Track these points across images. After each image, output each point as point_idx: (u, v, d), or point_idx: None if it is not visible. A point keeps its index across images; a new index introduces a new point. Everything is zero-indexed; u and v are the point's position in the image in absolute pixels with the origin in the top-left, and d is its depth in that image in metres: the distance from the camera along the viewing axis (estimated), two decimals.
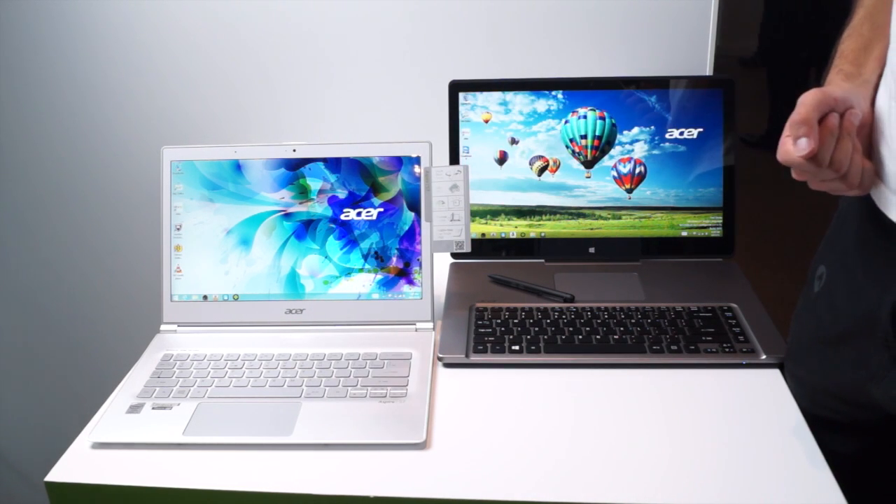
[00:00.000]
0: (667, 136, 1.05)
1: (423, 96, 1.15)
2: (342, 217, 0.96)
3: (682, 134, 1.05)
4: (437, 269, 0.98)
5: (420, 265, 0.95)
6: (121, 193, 1.30)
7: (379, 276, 0.95)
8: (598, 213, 1.07)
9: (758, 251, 2.46)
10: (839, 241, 0.77)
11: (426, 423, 0.77)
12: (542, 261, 1.08)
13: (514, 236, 1.09)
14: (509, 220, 1.08)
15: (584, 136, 1.06)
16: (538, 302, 0.98)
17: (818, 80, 0.74)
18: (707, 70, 1.11)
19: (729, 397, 0.81)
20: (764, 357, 0.85)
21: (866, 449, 0.80)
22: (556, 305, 0.96)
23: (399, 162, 0.95)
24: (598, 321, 0.92)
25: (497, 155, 1.08)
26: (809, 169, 0.64)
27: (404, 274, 0.95)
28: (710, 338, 0.89)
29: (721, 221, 1.06)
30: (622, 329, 0.91)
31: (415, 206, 0.95)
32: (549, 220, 1.08)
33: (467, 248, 0.95)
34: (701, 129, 1.05)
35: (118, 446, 0.77)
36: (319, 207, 0.96)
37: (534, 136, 1.07)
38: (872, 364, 0.71)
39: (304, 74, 1.18)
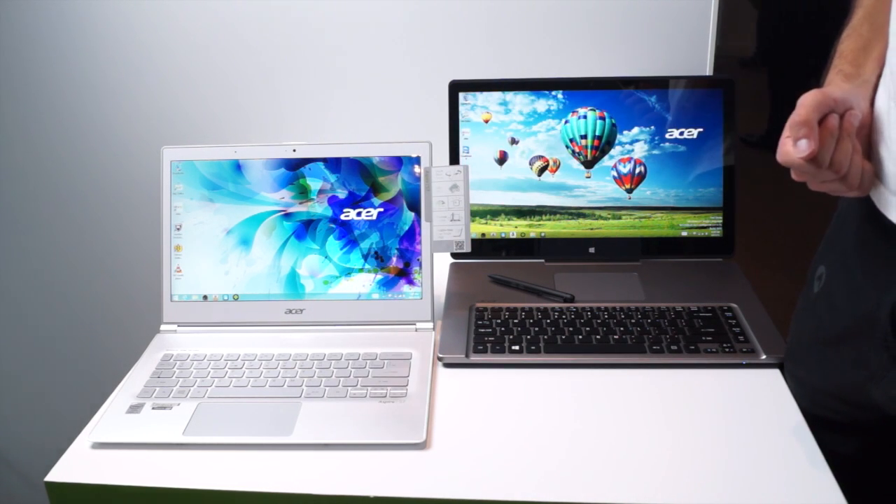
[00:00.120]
0: (667, 136, 1.05)
1: (423, 96, 1.15)
2: (342, 217, 0.96)
3: (682, 134, 1.05)
4: (437, 269, 0.98)
5: (420, 265, 0.95)
6: (121, 193, 1.30)
7: (379, 276, 0.95)
8: (598, 213, 1.07)
9: (758, 251, 2.46)
10: (839, 242, 0.77)
11: (426, 423, 0.77)
12: (542, 261, 1.08)
13: (514, 236, 1.09)
14: (509, 220, 1.08)
15: (584, 136, 1.06)
16: (538, 302, 0.98)
17: (818, 81, 0.74)
18: (707, 70, 1.11)
19: (729, 397, 0.81)
20: (764, 357, 0.85)
21: (866, 449, 0.80)
22: (556, 305, 0.96)
23: (399, 162, 0.95)
24: (598, 321, 0.92)
25: (497, 155, 1.08)
26: (809, 170, 0.64)
27: (404, 274, 0.95)
28: (710, 338, 0.89)
29: (721, 221, 1.06)
30: (622, 329, 0.91)
31: (415, 206, 0.95)
32: (549, 220, 1.08)
33: (467, 248, 0.95)
34: (701, 129, 1.05)
35: (118, 446, 0.77)
36: (319, 207, 0.96)
37: (534, 136, 1.07)
38: (872, 364, 0.71)
39: (304, 74, 1.18)
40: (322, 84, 1.18)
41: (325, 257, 0.96)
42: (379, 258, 0.95)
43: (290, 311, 0.95)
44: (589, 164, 1.07)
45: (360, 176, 0.96)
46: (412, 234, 0.95)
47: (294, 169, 0.96)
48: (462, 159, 1.08)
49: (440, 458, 0.74)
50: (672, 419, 0.78)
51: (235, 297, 0.96)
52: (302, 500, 0.71)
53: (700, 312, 0.93)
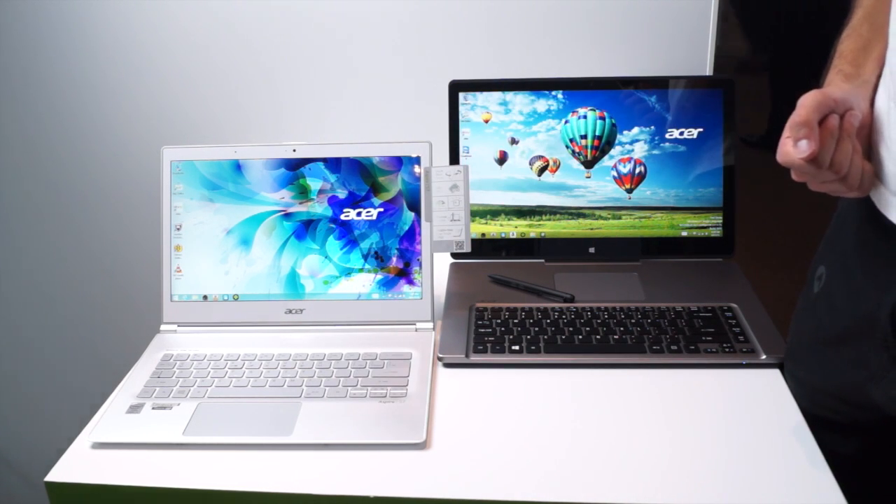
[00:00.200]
0: (667, 136, 1.05)
1: (423, 96, 1.15)
2: (342, 217, 0.96)
3: (682, 134, 1.05)
4: (437, 269, 0.98)
5: (420, 265, 0.95)
6: (121, 193, 1.30)
7: (379, 276, 0.95)
8: (598, 213, 1.07)
9: (758, 251, 2.46)
10: (839, 242, 0.77)
11: (426, 423, 0.77)
12: (542, 261, 1.08)
13: (514, 236, 1.09)
14: (509, 220, 1.08)
15: (584, 136, 1.06)
16: (538, 302, 0.98)
17: (818, 81, 0.74)
18: (707, 70, 1.11)
19: (729, 397, 0.81)
20: (764, 357, 0.85)
21: (866, 449, 0.80)
22: (556, 305, 0.96)
23: (399, 162, 0.95)
24: (598, 321, 0.92)
25: (497, 155, 1.08)
26: (809, 170, 0.64)
27: (404, 274, 0.95)
28: (710, 338, 0.89)
29: (721, 221, 1.06)
30: (622, 329, 0.91)
31: (415, 206, 0.95)
32: (549, 220, 1.08)
33: (467, 248, 0.95)
34: (701, 129, 1.05)
35: (118, 446, 0.77)
36: (319, 207, 0.96)
37: (534, 136, 1.07)
38: (872, 365, 0.71)
39: (304, 74, 1.18)
40: (322, 84, 1.18)
41: (325, 257, 0.96)
42: (379, 258, 0.95)
43: (290, 311, 0.95)
44: (589, 164, 1.07)
45: (360, 176, 0.96)
46: (412, 234, 0.95)
47: (294, 169, 0.96)
48: (462, 159, 1.08)
49: (440, 458, 0.74)
50: (672, 419, 0.78)
51: (235, 297, 0.96)
52: (302, 500, 0.71)
53: (700, 312, 0.93)
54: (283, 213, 0.96)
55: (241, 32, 1.16)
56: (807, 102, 0.63)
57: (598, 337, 0.90)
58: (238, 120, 1.22)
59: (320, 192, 0.96)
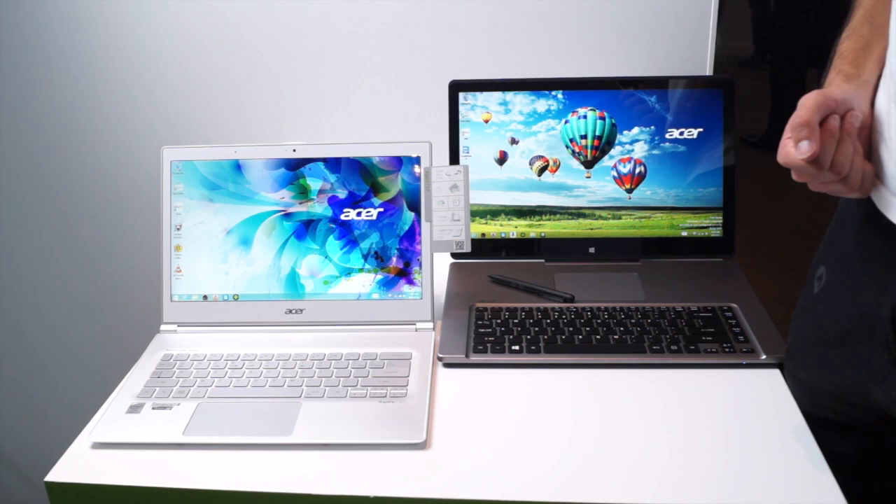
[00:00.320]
0: (667, 136, 1.05)
1: (423, 96, 1.15)
2: (342, 217, 0.96)
3: (682, 134, 1.05)
4: (437, 269, 0.98)
5: (420, 265, 0.95)
6: (121, 193, 1.30)
7: (379, 276, 0.95)
8: (598, 213, 1.07)
9: (758, 251, 2.47)
10: (839, 242, 0.77)
11: (426, 423, 0.77)
12: (542, 261, 1.08)
13: (514, 236, 1.09)
14: (509, 220, 1.08)
15: (584, 136, 1.06)
16: (538, 302, 0.98)
17: (818, 80, 0.74)
18: (707, 70, 1.11)
19: (729, 397, 0.81)
20: (764, 357, 0.85)
21: (866, 449, 0.81)
22: (556, 305, 0.96)
23: (399, 162, 0.95)
24: (598, 321, 0.92)
25: (497, 155, 1.08)
26: (810, 171, 0.64)
27: (404, 274, 0.95)
28: (710, 338, 0.89)
29: (721, 221, 1.06)
30: (622, 329, 0.91)
31: (415, 206, 0.95)
32: (549, 220, 1.08)
33: (467, 248, 0.95)
34: (701, 129, 1.05)
35: (118, 446, 0.77)
36: (319, 207, 0.96)
37: (534, 136, 1.07)
38: (872, 365, 0.71)
39: (304, 74, 1.18)
40: (322, 84, 1.18)
41: (325, 257, 0.96)
42: (379, 258, 0.95)
43: (290, 311, 0.95)
44: (589, 164, 1.07)
45: (360, 176, 0.96)
46: (412, 234, 0.95)
47: (294, 169, 0.96)
48: (462, 159, 1.08)
49: (440, 458, 0.74)
50: (672, 419, 0.78)
51: (235, 297, 0.96)
52: (302, 500, 0.71)
53: (700, 312, 0.93)
54: (283, 213, 0.96)
55: (242, 32, 1.16)
56: (808, 103, 0.63)
57: (598, 337, 0.90)
58: (238, 120, 1.22)
59: (320, 192, 0.96)
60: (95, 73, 1.22)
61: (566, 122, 1.06)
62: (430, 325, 0.94)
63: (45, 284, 1.40)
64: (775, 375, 0.84)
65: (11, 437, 1.56)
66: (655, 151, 1.06)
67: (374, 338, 0.92)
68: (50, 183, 1.32)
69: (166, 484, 0.72)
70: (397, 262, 0.95)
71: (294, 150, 0.96)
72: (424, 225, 0.95)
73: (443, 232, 0.94)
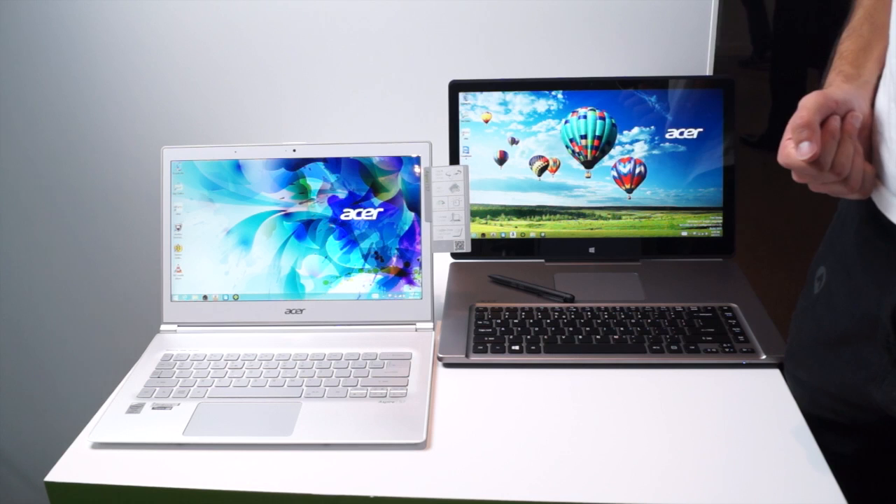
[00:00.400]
0: (667, 136, 1.05)
1: (423, 96, 1.15)
2: (342, 217, 0.96)
3: (682, 134, 1.05)
4: (437, 269, 0.98)
5: (420, 265, 0.95)
6: (121, 193, 1.30)
7: (379, 276, 0.95)
8: (598, 213, 1.07)
9: (758, 251, 2.47)
10: (839, 243, 0.77)
11: (426, 423, 0.77)
12: (542, 261, 1.08)
13: (514, 236, 1.09)
14: (509, 220, 1.08)
15: (584, 136, 1.06)
16: (538, 302, 0.98)
17: (819, 80, 0.74)
18: (707, 70, 1.11)
19: (729, 397, 0.81)
20: (764, 357, 0.85)
21: (866, 449, 0.81)
22: (556, 305, 0.96)
23: (399, 162, 0.95)
24: (598, 321, 0.92)
25: (497, 155, 1.08)
26: (811, 172, 0.64)
27: (404, 274, 0.95)
28: (710, 338, 0.89)
29: (721, 221, 1.06)
30: (622, 329, 0.91)
31: (415, 206, 0.95)
32: (549, 220, 1.08)
33: (467, 248, 0.95)
34: (701, 129, 1.05)
35: (118, 446, 0.77)
36: (319, 207, 0.96)
37: (534, 136, 1.07)
38: (873, 366, 0.71)
39: (304, 74, 1.18)
40: (322, 84, 1.18)
41: (325, 257, 0.96)
42: (379, 258, 0.95)
43: (290, 311, 0.95)
44: (589, 164, 1.07)
45: (360, 176, 0.96)
46: (412, 234, 0.95)
47: (294, 169, 0.96)
48: (462, 159, 1.08)
49: (440, 458, 0.74)
50: (672, 419, 0.78)
51: (235, 297, 0.96)
52: (302, 500, 0.71)
53: (700, 312, 0.93)
54: (283, 213, 0.96)
55: (242, 32, 1.16)
56: (808, 104, 0.63)
57: (598, 337, 0.90)
58: (238, 120, 1.22)
59: (320, 192, 0.96)
60: (95, 73, 1.22)
61: (566, 122, 1.06)
62: (430, 325, 0.94)
63: (45, 284, 1.40)
64: (775, 375, 0.84)
65: (11, 437, 1.56)
66: (655, 151, 1.06)
67: (374, 338, 0.92)
68: (50, 183, 1.32)
69: (166, 484, 0.72)
70: (397, 262, 0.95)
71: (294, 150, 0.96)
72: (424, 225, 0.95)
73: (443, 232, 0.94)
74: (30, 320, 1.45)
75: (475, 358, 0.88)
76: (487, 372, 0.87)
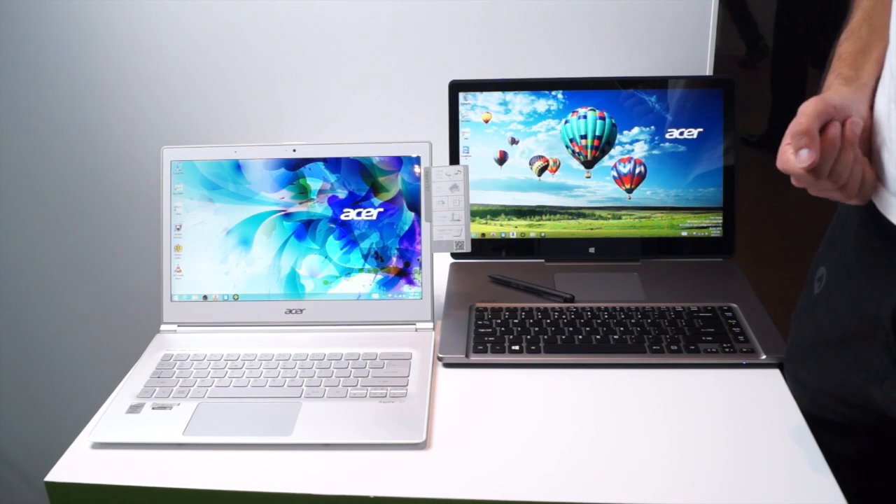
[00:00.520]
0: (667, 136, 1.05)
1: (423, 96, 1.15)
2: (342, 217, 0.96)
3: (682, 134, 1.05)
4: (437, 269, 0.98)
5: (420, 265, 0.95)
6: (120, 193, 1.30)
7: (379, 276, 0.95)
8: (598, 213, 1.07)
9: (758, 251, 2.47)
10: (839, 243, 0.77)
11: (426, 423, 0.77)
12: (542, 261, 1.08)
13: (514, 236, 1.09)
14: (509, 220, 1.08)
15: (584, 136, 1.06)
16: (538, 302, 0.98)
17: (819, 80, 0.74)
18: (707, 70, 1.11)
19: (729, 397, 0.81)
20: (764, 357, 0.85)
21: (866, 450, 0.80)
22: (556, 305, 0.96)
23: (399, 162, 0.95)
24: (598, 321, 0.92)
25: (497, 155, 1.08)
26: (808, 179, 0.64)
27: (404, 274, 0.95)
28: (710, 338, 0.89)
29: (721, 221, 1.06)
30: (622, 329, 0.91)
31: (415, 206, 0.95)
32: (549, 220, 1.08)
33: (467, 248, 0.95)
34: (701, 129, 1.05)
35: (118, 446, 0.77)
36: (319, 207, 0.96)
37: (534, 136, 1.07)
38: (873, 366, 0.71)
39: (304, 74, 1.18)
40: (322, 84, 1.18)
41: (325, 257, 0.96)
42: (379, 258, 0.95)
43: (290, 311, 0.95)
44: (589, 164, 1.07)
45: (360, 176, 0.96)
46: (412, 234, 0.95)
47: (294, 169, 0.96)
48: (462, 159, 1.08)
49: (440, 458, 0.74)
50: (672, 419, 0.78)
51: (235, 297, 0.96)
52: (302, 500, 0.71)
53: (700, 312, 0.93)
54: (283, 213, 0.96)
55: (242, 32, 1.16)
56: (808, 110, 0.63)
57: (598, 337, 0.90)
58: (238, 120, 1.22)
59: (320, 192, 0.96)
60: (95, 72, 1.22)
61: (566, 122, 1.06)
62: (430, 325, 0.94)
63: (44, 284, 1.40)
64: (775, 375, 0.84)
65: (11, 437, 1.56)
66: (655, 151, 1.06)
67: (374, 338, 0.92)
68: (50, 183, 1.31)
69: (166, 484, 0.72)
70: (397, 262, 0.95)
71: (294, 150, 0.96)
72: (424, 225, 0.95)
73: (443, 232, 0.94)
74: (30, 320, 1.45)
75: (475, 358, 0.88)
76: (487, 372, 0.87)
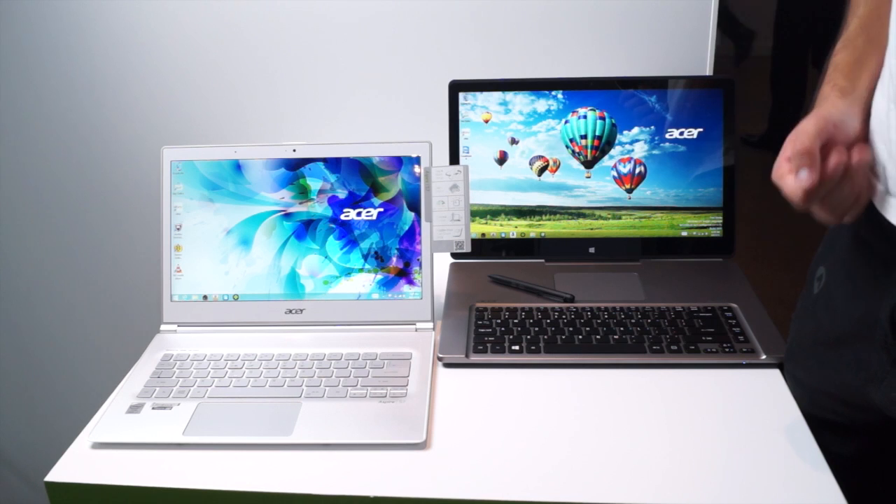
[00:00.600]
0: (667, 136, 1.05)
1: (423, 96, 1.15)
2: (342, 217, 0.96)
3: (682, 134, 1.05)
4: (437, 269, 0.98)
5: (420, 265, 0.95)
6: (121, 194, 1.30)
7: (379, 276, 0.95)
8: (598, 213, 1.07)
9: (758, 251, 2.47)
10: (838, 243, 0.77)
11: (426, 423, 0.77)
12: (542, 261, 1.08)
13: (514, 236, 1.09)
14: (509, 220, 1.08)
15: (584, 136, 1.06)
16: (538, 302, 0.98)
17: (818, 80, 0.74)
18: (707, 70, 1.11)
19: (729, 397, 0.81)
20: (764, 357, 0.85)
21: (866, 450, 0.81)
22: (556, 305, 0.96)
23: (399, 162, 0.95)
24: (598, 321, 0.92)
25: (497, 155, 1.08)
26: (800, 197, 0.65)
27: (404, 274, 0.95)
28: (710, 338, 0.89)
29: (721, 221, 1.06)
30: (622, 329, 0.91)
31: (415, 206, 0.95)
32: (549, 220, 1.08)
33: (467, 248, 0.95)
34: (701, 129, 1.05)
35: (118, 446, 0.77)
36: (319, 207, 0.96)
37: (534, 136, 1.07)
38: (872, 366, 0.71)
39: (304, 74, 1.18)
40: (322, 84, 1.18)
41: (325, 257, 0.96)
42: (379, 258, 0.95)
43: (290, 311, 0.95)
44: (589, 164, 1.07)
45: (360, 176, 0.96)
46: (412, 234, 0.95)
47: (294, 169, 0.96)
48: (462, 159, 1.08)
49: (440, 458, 0.74)
50: (672, 419, 0.78)
51: (235, 297, 0.96)
52: (302, 500, 0.71)
53: (700, 312, 0.93)
54: (283, 213, 0.96)
55: (242, 32, 1.16)
56: (808, 129, 0.63)
57: (598, 337, 0.90)
58: (238, 120, 1.22)
59: (320, 192, 0.96)
60: (95, 73, 1.22)
61: (566, 122, 1.06)
62: (430, 325, 0.94)
63: (44, 284, 1.40)
64: (775, 375, 0.84)
65: (11, 437, 1.56)
66: (655, 151, 1.06)
67: (374, 338, 0.92)
68: (50, 183, 1.32)
69: (166, 484, 0.72)
70: (397, 262, 0.95)
71: (294, 150, 0.96)
72: (424, 225, 0.95)
73: (443, 232, 0.94)
74: (30, 320, 1.45)
75: (475, 358, 0.88)
76: (487, 372, 0.87)
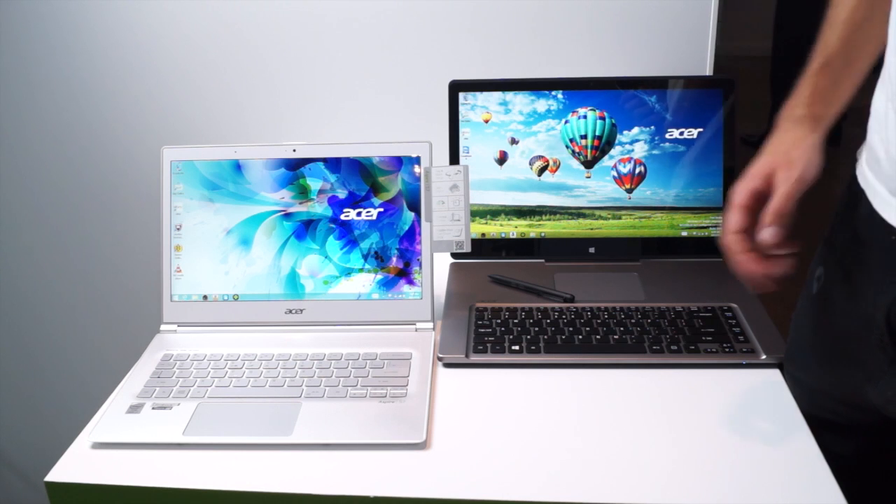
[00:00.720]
0: (667, 136, 1.05)
1: (423, 96, 1.15)
2: (342, 217, 0.96)
3: (682, 134, 1.05)
4: (437, 269, 0.98)
5: (420, 265, 0.95)
6: (120, 194, 1.30)
7: (379, 276, 0.95)
8: (598, 213, 1.07)
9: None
10: (837, 243, 0.77)
11: (426, 423, 0.77)
12: (542, 261, 1.08)
13: (514, 236, 1.09)
14: (509, 220, 1.08)
15: (584, 136, 1.06)
16: (538, 302, 0.98)
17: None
18: (707, 70, 1.11)
19: (729, 397, 0.81)
20: (764, 357, 0.85)
21: (866, 449, 0.81)
22: (556, 305, 0.96)
23: (399, 162, 0.95)
24: (598, 321, 0.92)
25: (497, 155, 1.08)
26: (735, 240, 0.70)
27: (404, 274, 0.95)
28: (710, 338, 0.89)
29: (721, 221, 1.06)
30: (622, 329, 0.91)
31: (415, 206, 0.95)
32: (549, 220, 1.08)
33: (467, 248, 0.95)
34: (701, 129, 1.05)
35: (118, 446, 0.77)
36: (319, 207, 0.96)
37: (534, 136, 1.07)
38: (869, 366, 0.71)
39: (304, 74, 1.18)
40: (322, 84, 1.18)
41: (325, 257, 0.96)
42: (379, 258, 0.95)
43: (290, 311, 0.95)
44: (589, 164, 1.07)
45: (360, 176, 0.96)
46: (412, 234, 0.95)
47: (294, 169, 0.96)
48: (462, 159, 1.08)
49: (440, 458, 0.74)
50: (672, 419, 0.78)
51: (235, 297, 0.96)
52: (302, 500, 0.71)
53: (700, 312, 0.93)
54: (283, 213, 0.96)
55: (241, 33, 1.16)
56: (790, 192, 0.67)
57: (598, 337, 0.90)
58: (238, 120, 1.22)
59: (320, 192, 0.96)
60: (95, 73, 1.22)
61: (566, 122, 1.06)
62: (430, 325, 0.94)
63: (44, 284, 1.40)
64: (775, 375, 0.84)
65: (11, 437, 1.57)
66: (655, 151, 1.06)
67: (374, 338, 0.92)
68: (49, 183, 1.32)
69: (166, 484, 0.72)
70: (397, 262, 0.95)
71: (294, 150, 0.96)
72: (424, 225, 0.95)
73: (443, 232, 0.94)
74: (30, 320, 1.45)
75: (475, 358, 0.88)
76: (487, 372, 0.87)
